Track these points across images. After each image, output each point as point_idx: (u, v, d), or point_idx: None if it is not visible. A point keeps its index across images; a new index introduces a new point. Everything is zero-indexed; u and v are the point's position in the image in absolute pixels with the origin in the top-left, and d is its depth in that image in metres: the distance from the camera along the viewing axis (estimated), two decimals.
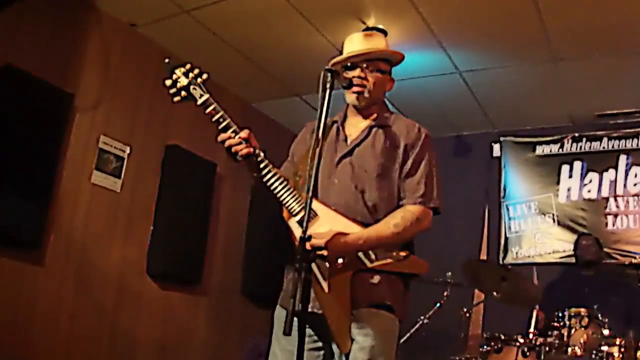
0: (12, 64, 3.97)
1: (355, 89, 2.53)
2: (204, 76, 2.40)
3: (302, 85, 5.73)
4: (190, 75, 2.39)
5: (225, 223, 5.79)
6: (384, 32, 4.59)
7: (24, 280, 4.05)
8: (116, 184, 4.75)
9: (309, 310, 2.19)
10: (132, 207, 4.87)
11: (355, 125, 2.61)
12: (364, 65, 2.53)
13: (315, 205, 2.31)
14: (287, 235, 2.42)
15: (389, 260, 2.35)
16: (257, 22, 4.74)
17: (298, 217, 2.34)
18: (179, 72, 2.39)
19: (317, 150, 2.12)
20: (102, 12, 4.69)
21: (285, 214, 2.40)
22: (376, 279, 2.35)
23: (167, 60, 2.41)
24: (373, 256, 2.33)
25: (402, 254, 2.37)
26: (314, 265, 2.23)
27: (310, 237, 2.07)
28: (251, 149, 2.35)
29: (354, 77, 2.50)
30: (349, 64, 2.55)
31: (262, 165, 2.38)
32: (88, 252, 4.50)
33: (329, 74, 2.25)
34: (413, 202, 2.44)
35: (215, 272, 5.61)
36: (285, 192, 2.36)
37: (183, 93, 2.37)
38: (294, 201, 2.36)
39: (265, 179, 2.38)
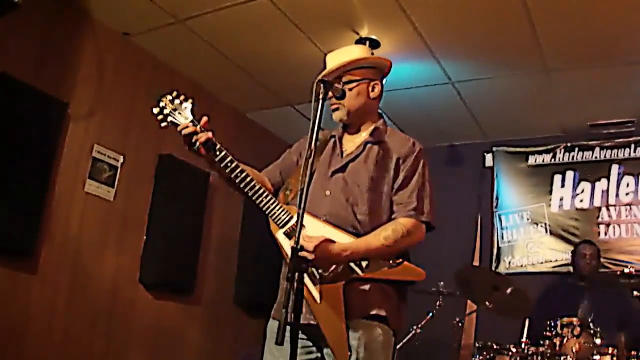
0: (6, 72, 3.97)
1: (331, 107, 2.60)
2: (189, 102, 2.52)
3: (295, 95, 5.74)
4: (176, 102, 2.51)
5: (218, 232, 5.78)
6: (377, 43, 4.64)
7: (17, 289, 4.03)
8: (109, 193, 4.75)
9: (305, 322, 2.21)
10: (125, 216, 4.86)
11: (352, 141, 2.66)
12: (334, 82, 2.53)
13: (304, 216, 2.33)
14: (277, 248, 2.45)
15: (382, 269, 2.36)
16: (251, 32, 4.75)
17: (285, 229, 2.39)
18: (165, 100, 2.52)
19: (310, 161, 2.13)
20: (96, 22, 4.69)
21: (272, 227, 2.44)
22: (367, 286, 2.35)
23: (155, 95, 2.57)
24: (364, 265, 2.34)
25: (396, 261, 2.39)
26: (305, 276, 2.23)
27: (302, 248, 2.07)
28: (210, 135, 2.42)
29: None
30: None
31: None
32: (81, 261, 4.48)
33: (321, 85, 2.27)
34: (404, 215, 2.46)
35: (208, 281, 5.60)
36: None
37: (169, 119, 2.49)
38: (279, 210, 2.40)
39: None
